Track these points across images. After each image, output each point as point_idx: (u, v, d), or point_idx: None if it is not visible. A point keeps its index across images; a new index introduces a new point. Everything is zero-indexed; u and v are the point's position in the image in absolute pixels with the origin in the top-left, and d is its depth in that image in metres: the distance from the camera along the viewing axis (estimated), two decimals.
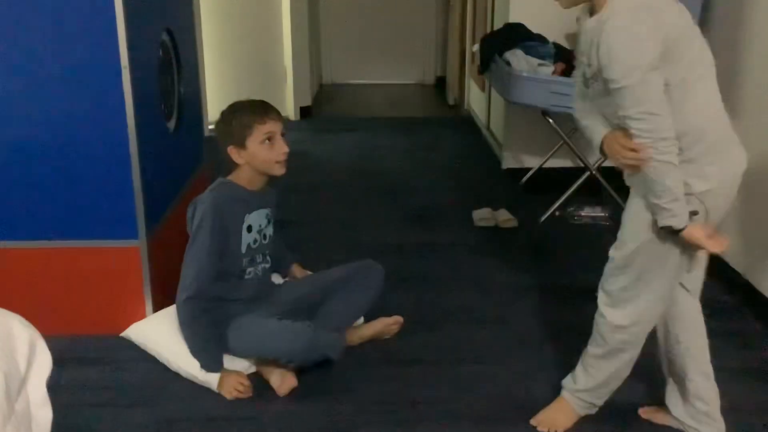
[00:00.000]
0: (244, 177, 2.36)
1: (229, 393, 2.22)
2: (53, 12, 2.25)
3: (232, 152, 2.30)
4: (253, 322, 2.29)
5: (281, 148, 2.31)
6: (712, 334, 2.01)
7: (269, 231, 2.45)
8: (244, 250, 2.35)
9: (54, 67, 2.30)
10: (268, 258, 2.46)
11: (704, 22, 3.08)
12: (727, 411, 2.02)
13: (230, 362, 2.29)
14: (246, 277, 2.38)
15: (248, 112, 2.29)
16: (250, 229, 2.36)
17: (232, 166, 2.35)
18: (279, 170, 2.35)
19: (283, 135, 2.34)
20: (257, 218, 2.38)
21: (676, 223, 1.76)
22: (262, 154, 2.29)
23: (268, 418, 2.12)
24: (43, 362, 1.06)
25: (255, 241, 2.37)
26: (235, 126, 2.29)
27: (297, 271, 2.69)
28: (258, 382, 2.26)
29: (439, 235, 3.53)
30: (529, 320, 2.70)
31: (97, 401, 2.21)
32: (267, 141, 2.28)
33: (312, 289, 2.50)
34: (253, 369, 2.32)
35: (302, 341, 2.20)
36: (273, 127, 2.30)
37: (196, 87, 3.42)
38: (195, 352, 2.28)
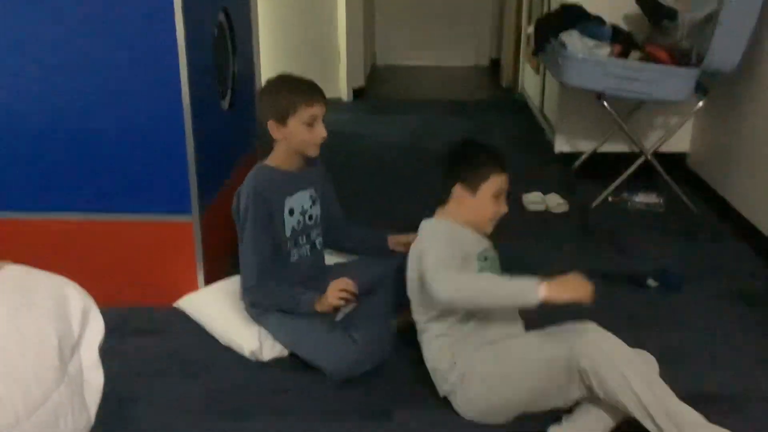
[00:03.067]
0: (280, 157, 2.35)
1: (334, 299, 2.19)
2: None
3: (272, 126, 2.29)
4: (300, 325, 2.26)
5: (320, 132, 2.29)
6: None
7: (315, 211, 2.44)
8: (288, 233, 2.35)
9: (111, 45, 2.35)
10: (314, 239, 2.45)
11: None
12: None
13: (269, 346, 2.32)
14: (292, 260, 2.39)
15: (297, 91, 2.27)
16: (292, 212, 2.36)
17: (271, 143, 2.35)
18: (314, 152, 2.33)
19: (323, 117, 2.30)
20: (299, 200, 2.37)
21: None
22: (300, 135, 2.28)
23: (312, 393, 2.16)
24: (96, 328, 1.10)
25: (299, 222, 2.38)
26: (281, 102, 2.26)
27: (392, 242, 2.56)
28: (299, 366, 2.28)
29: None
30: (578, 306, 2.66)
31: (148, 370, 2.27)
32: (309, 123, 2.27)
33: (362, 278, 2.40)
34: (285, 353, 2.31)
35: (347, 363, 2.15)
36: (318, 110, 2.27)
37: (251, 67, 3.46)
38: (288, 310, 2.28)
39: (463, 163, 2.12)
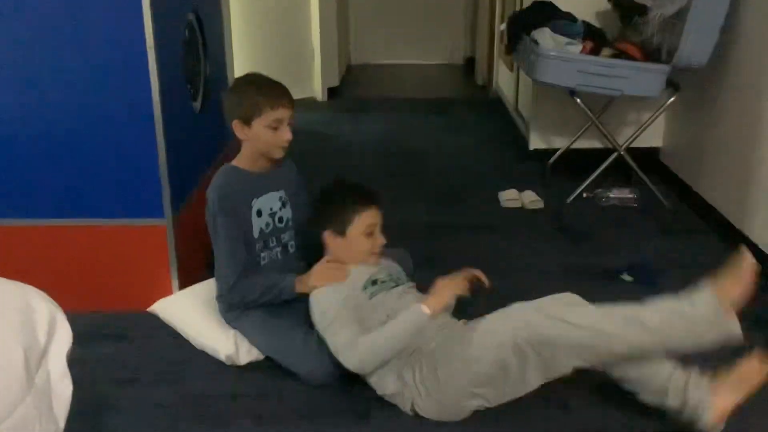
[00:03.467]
0: (246, 158, 2.33)
1: (320, 280, 2.16)
2: None
3: (236, 126, 2.27)
4: (276, 329, 2.24)
5: (284, 135, 2.26)
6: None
7: (285, 214, 2.41)
8: (256, 235, 2.33)
9: (80, 48, 2.32)
10: (285, 241, 2.42)
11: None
12: None
13: (246, 350, 2.30)
14: (262, 262, 2.37)
15: (262, 93, 2.24)
16: (260, 213, 2.33)
17: (237, 139, 2.33)
18: (278, 154, 2.31)
19: (290, 123, 2.28)
20: (267, 201, 2.35)
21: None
22: (264, 137, 2.26)
23: (289, 396, 2.14)
24: (63, 336, 1.08)
25: (267, 225, 2.35)
26: (245, 103, 2.24)
27: None
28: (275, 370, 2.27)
29: (464, 215, 3.52)
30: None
31: (120, 377, 2.25)
32: (273, 127, 2.25)
33: None
34: (261, 357, 2.29)
35: (322, 370, 2.13)
36: (282, 114, 2.25)
37: (223, 68, 3.43)
38: (270, 301, 2.27)
39: (326, 211, 2.22)
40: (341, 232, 2.18)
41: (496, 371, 1.92)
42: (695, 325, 1.88)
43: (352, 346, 1.99)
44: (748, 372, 1.90)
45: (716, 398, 1.88)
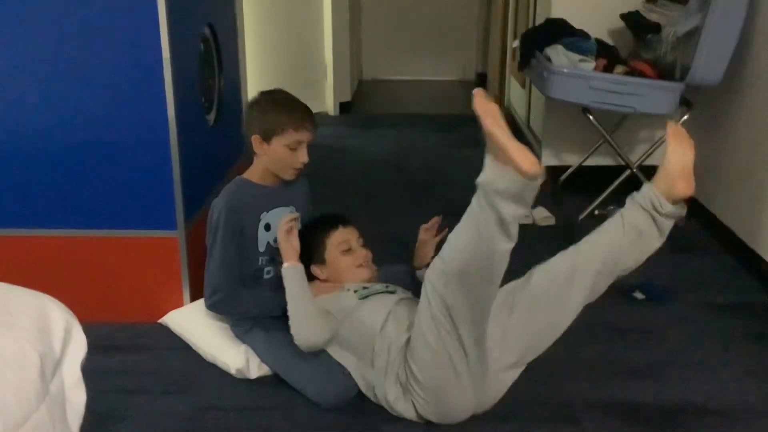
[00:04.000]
0: (258, 172, 2.34)
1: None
2: (96, 5, 2.29)
3: (255, 140, 2.28)
4: (286, 348, 2.21)
5: (302, 158, 2.28)
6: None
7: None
8: (262, 249, 2.34)
9: (96, 61, 2.34)
10: None
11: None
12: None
13: (256, 364, 2.30)
14: (265, 276, 2.38)
15: (287, 113, 2.25)
16: (268, 227, 2.34)
17: (251, 152, 2.34)
18: (289, 176, 2.33)
19: (308, 144, 2.30)
20: (276, 216, 2.34)
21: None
22: (281, 156, 2.28)
23: (299, 411, 2.14)
24: (78, 345, 1.09)
25: (276, 240, 2.36)
26: (268, 119, 2.25)
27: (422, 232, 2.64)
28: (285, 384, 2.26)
29: None
30: None
31: (132, 387, 2.25)
32: (292, 148, 2.26)
33: None
34: (270, 373, 2.29)
35: (335, 393, 2.12)
36: (304, 137, 2.26)
37: (237, 81, 3.46)
38: (259, 314, 2.32)
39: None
40: (322, 261, 2.31)
41: (442, 347, 1.90)
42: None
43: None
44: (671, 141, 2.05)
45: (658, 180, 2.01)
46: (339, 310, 2.16)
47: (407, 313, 2.12)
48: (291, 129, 2.24)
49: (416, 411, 2.02)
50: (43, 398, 0.96)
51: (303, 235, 2.30)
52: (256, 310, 2.33)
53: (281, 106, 2.28)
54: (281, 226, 2.21)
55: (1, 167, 2.44)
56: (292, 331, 2.10)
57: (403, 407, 2.03)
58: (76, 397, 1.08)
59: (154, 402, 2.18)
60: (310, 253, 2.30)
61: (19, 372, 0.92)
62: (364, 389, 2.12)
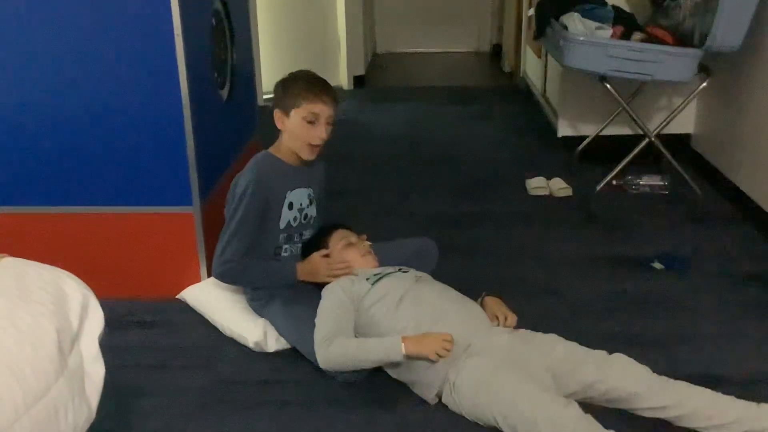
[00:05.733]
0: (283, 150, 2.35)
1: (327, 276, 2.28)
2: None
3: (277, 116, 2.31)
4: (303, 322, 2.22)
5: (319, 132, 2.28)
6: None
7: (311, 212, 2.43)
8: (283, 225, 2.35)
9: (108, 37, 2.33)
10: (305, 238, 2.44)
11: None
12: None
13: (274, 337, 2.31)
14: (283, 254, 2.39)
15: (304, 85, 2.28)
16: (291, 206, 2.35)
17: (277, 132, 2.35)
18: (308, 154, 2.33)
19: (329, 122, 2.29)
20: (299, 196, 2.37)
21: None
22: (299, 130, 2.28)
23: (316, 384, 2.15)
24: (96, 319, 1.09)
25: (295, 219, 2.37)
26: (288, 93, 2.29)
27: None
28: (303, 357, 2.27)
29: (492, 204, 3.49)
30: (583, 290, 2.66)
31: (151, 362, 2.27)
32: (309, 121, 2.27)
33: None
34: (287, 347, 2.29)
35: None
36: (321, 109, 2.27)
37: (250, 56, 3.43)
38: (267, 286, 2.35)
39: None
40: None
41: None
42: None
43: (327, 342, 2.06)
44: None
45: None
46: (354, 294, 2.19)
47: (428, 290, 2.16)
48: (307, 101, 2.25)
49: (437, 396, 2.03)
50: (62, 372, 0.97)
51: (306, 248, 2.39)
52: (263, 282, 2.36)
53: (301, 80, 2.31)
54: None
55: (17, 146, 2.44)
56: (332, 357, 2.06)
57: (424, 390, 2.04)
58: (95, 371, 1.08)
59: (174, 376, 2.20)
60: (317, 243, 2.39)
61: (37, 346, 0.93)
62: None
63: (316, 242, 2.40)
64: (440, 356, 1.95)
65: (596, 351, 1.99)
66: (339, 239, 2.37)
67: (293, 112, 2.27)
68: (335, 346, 2.05)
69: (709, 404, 1.85)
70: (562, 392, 1.90)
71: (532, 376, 1.91)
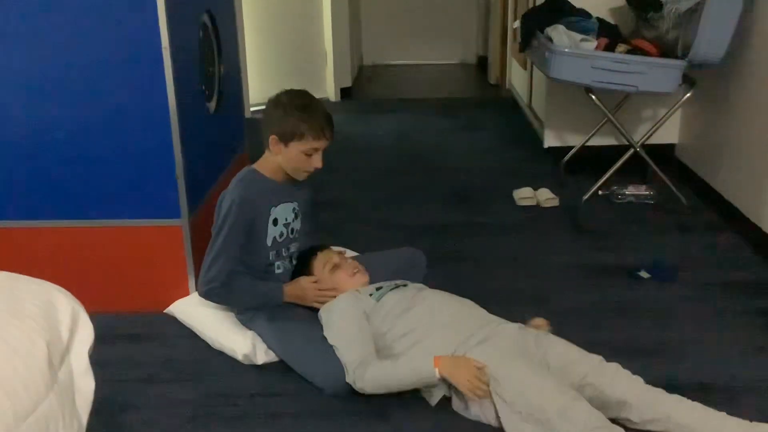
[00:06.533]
0: (269, 167, 2.34)
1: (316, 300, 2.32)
2: None
3: (273, 141, 2.28)
4: (291, 335, 2.25)
5: (316, 163, 2.29)
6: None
7: (296, 225, 2.43)
8: (269, 243, 2.35)
9: (95, 50, 2.33)
10: (292, 252, 2.44)
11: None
12: None
13: (263, 350, 2.31)
14: (276, 271, 2.39)
15: (308, 120, 2.23)
16: (275, 222, 2.35)
17: (264, 147, 2.34)
18: (302, 177, 2.34)
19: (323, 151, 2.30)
20: (283, 212, 2.36)
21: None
22: (296, 160, 2.28)
23: (306, 396, 2.14)
24: (86, 333, 1.09)
25: (281, 234, 2.37)
26: (290, 123, 2.24)
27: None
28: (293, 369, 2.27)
29: (479, 214, 3.51)
30: (571, 300, 2.67)
31: (140, 376, 2.25)
32: (308, 154, 2.27)
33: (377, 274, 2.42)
34: (276, 359, 2.29)
35: (342, 380, 2.08)
36: (322, 145, 2.27)
37: (237, 68, 3.44)
38: (253, 306, 2.34)
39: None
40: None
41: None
42: None
43: (363, 367, 2.04)
44: None
45: None
46: (365, 317, 2.20)
47: (433, 296, 2.24)
48: (310, 137, 2.24)
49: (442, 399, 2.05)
50: (52, 386, 0.96)
51: (291, 276, 2.41)
52: (250, 304, 2.36)
53: (303, 112, 2.25)
54: None
55: (5, 160, 2.43)
56: (369, 382, 2.03)
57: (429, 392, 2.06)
58: (85, 385, 1.08)
59: (163, 390, 2.18)
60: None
61: (27, 361, 0.92)
62: None
63: (298, 272, 2.40)
64: (476, 395, 1.92)
65: (593, 355, 2.01)
66: (322, 264, 2.36)
67: (292, 144, 2.25)
68: (371, 372, 2.03)
69: (699, 421, 1.84)
70: None
71: (540, 366, 1.94)
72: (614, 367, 1.96)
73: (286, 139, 2.25)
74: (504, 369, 1.92)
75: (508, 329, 2.11)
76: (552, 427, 1.77)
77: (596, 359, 1.99)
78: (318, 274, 2.35)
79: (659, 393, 1.91)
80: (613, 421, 1.85)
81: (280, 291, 2.33)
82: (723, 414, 1.86)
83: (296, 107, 2.26)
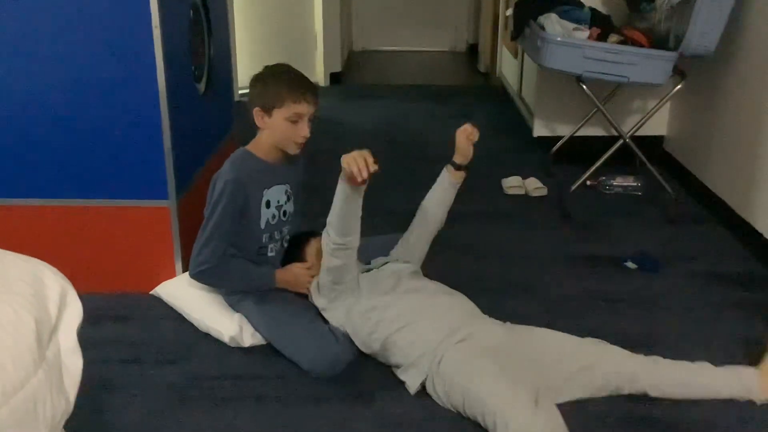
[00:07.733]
0: (262, 146, 2.31)
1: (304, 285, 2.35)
2: None
3: (257, 114, 2.25)
4: (280, 318, 2.25)
5: (302, 131, 2.25)
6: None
7: (289, 208, 2.41)
8: (263, 225, 2.33)
9: (85, 29, 2.30)
10: (285, 235, 2.43)
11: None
12: None
13: (250, 332, 2.31)
14: (269, 254, 2.38)
15: (287, 85, 2.21)
16: (268, 204, 2.33)
17: (255, 128, 2.32)
18: (293, 149, 2.30)
19: (311, 119, 2.26)
20: (275, 194, 2.35)
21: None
22: (282, 129, 2.24)
23: (293, 378, 2.14)
24: (74, 311, 1.07)
25: (273, 216, 2.35)
26: (270, 91, 2.22)
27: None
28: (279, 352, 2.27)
29: (467, 202, 3.48)
30: (557, 289, 2.68)
31: (125, 357, 2.24)
32: (293, 120, 2.23)
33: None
34: (263, 342, 2.29)
35: (327, 361, 2.12)
36: (304, 109, 2.23)
37: (227, 51, 3.41)
38: (243, 289, 2.34)
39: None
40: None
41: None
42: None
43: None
44: None
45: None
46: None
47: (422, 283, 2.28)
48: (290, 101, 2.20)
49: (421, 385, 2.05)
50: (40, 364, 0.95)
51: (282, 261, 2.42)
52: (240, 287, 2.35)
53: (281, 78, 2.24)
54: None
55: None
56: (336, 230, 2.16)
57: (411, 376, 2.06)
58: (73, 363, 1.06)
59: (148, 372, 2.18)
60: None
61: (15, 337, 0.91)
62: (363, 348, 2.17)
63: (290, 256, 2.40)
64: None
65: (588, 338, 2.09)
66: (315, 250, 2.36)
67: (275, 112, 2.22)
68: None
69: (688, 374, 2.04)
70: (561, 386, 1.95)
71: (518, 371, 1.91)
72: (607, 344, 2.06)
73: (268, 108, 2.23)
74: (475, 368, 1.92)
75: (493, 329, 2.10)
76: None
77: (593, 341, 2.07)
78: (311, 261, 2.35)
79: (653, 359, 2.04)
80: (632, 397, 1.95)
81: (272, 276, 2.32)
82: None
83: (274, 74, 2.26)
